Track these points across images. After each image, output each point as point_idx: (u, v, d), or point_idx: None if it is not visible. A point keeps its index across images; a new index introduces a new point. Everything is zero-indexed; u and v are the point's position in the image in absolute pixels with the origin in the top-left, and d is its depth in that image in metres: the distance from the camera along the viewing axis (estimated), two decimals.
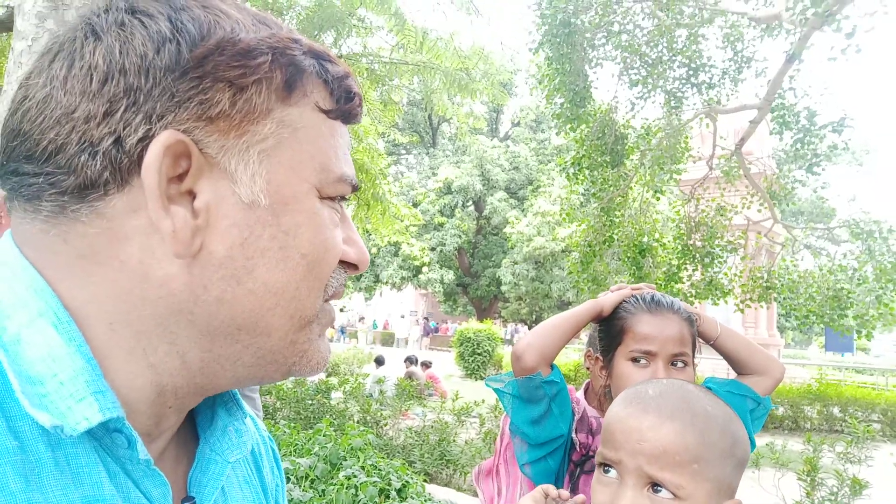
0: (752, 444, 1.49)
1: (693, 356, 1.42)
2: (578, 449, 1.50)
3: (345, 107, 0.55)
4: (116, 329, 0.47)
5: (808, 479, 4.17)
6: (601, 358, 1.52)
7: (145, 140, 0.45)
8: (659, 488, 0.85)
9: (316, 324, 0.54)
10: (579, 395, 1.68)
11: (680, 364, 1.38)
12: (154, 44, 0.46)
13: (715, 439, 0.87)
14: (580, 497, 0.97)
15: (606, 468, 0.91)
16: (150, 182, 0.44)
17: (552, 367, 1.50)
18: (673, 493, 0.85)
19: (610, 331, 1.48)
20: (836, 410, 11.09)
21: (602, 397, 1.61)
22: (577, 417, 1.52)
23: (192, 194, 0.47)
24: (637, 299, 1.46)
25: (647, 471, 0.85)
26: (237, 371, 0.52)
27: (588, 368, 1.69)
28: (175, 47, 0.46)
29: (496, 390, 1.52)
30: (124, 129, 0.45)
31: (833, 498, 4.09)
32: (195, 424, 0.60)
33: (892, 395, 11.45)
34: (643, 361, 1.39)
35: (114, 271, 0.46)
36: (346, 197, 0.57)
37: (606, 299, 1.49)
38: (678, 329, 1.39)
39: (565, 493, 0.98)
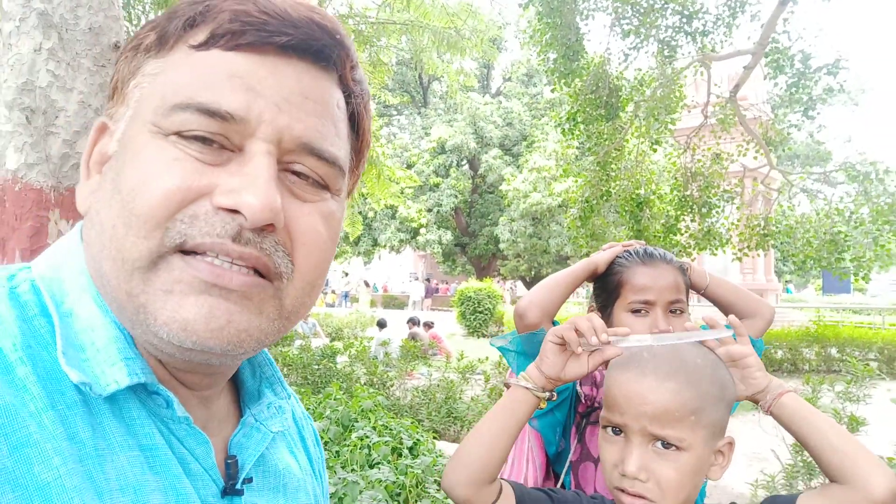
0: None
1: (687, 303, 1.47)
2: (584, 401, 1.55)
3: (216, 30, 0.50)
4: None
5: None
6: (600, 313, 1.56)
7: None
8: (664, 443, 0.92)
9: (153, 275, 0.48)
10: None
11: (677, 311, 1.43)
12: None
13: (707, 389, 0.94)
14: (623, 329, 0.98)
15: (614, 430, 0.97)
16: (83, 158, 0.57)
17: (553, 322, 1.54)
18: (676, 446, 0.92)
19: (606, 286, 1.52)
20: (833, 351, 11.26)
21: None
22: None
23: None
24: (631, 254, 1.51)
25: (651, 430, 0.92)
26: (131, 327, 0.51)
27: None
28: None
29: (501, 349, 1.57)
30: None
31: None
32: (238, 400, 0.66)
33: (889, 333, 11.62)
34: (643, 311, 1.43)
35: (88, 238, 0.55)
36: (215, 137, 0.49)
37: (600, 257, 1.54)
38: (673, 278, 1.44)
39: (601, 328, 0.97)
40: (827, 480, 0.98)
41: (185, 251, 0.48)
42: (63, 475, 0.42)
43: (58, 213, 1.81)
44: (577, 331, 0.97)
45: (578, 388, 1.55)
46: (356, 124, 0.61)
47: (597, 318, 0.99)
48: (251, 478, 0.59)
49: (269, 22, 0.50)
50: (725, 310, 1.63)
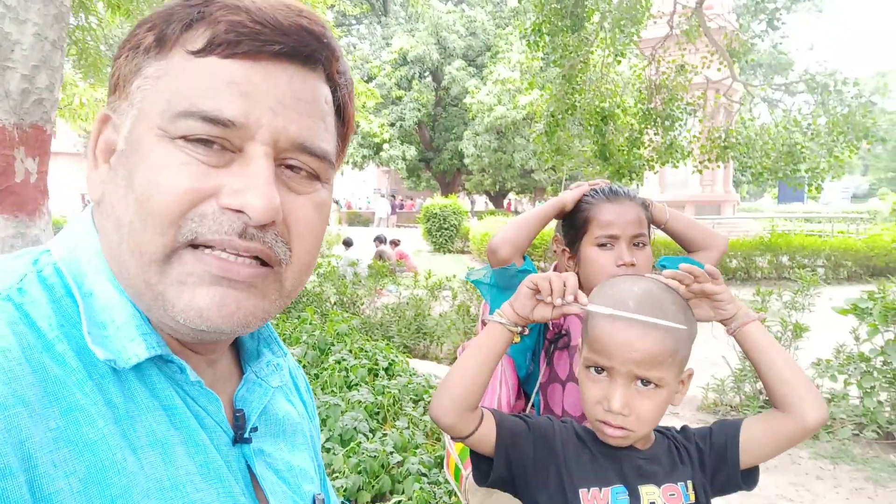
0: None
1: (649, 236, 1.56)
2: (551, 328, 1.65)
3: (214, 38, 0.54)
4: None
5: None
6: (568, 249, 1.64)
7: None
8: (644, 382, 1.04)
9: (168, 267, 0.54)
10: None
11: (640, 244, 1.53)
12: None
13: (682, 332, 1.05)
14: (585, 298, 1.07)
15: (596, 369, 1.08)
16: (90, 146, 0.60)
17: (524, 258, 1.62)
18: (656, 384, 1.04)
19: (574, 223, 1.60)
20: (785, 259, 11.79)
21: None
22: None
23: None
24: (596, 192, 1.58)
25: (637, 372, 1.03)
26: (148, 310, 0.57)
27: (555, 251, 1.82)
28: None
29: (475, 282, 1.66)
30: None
31: (777, 342, 4.50)
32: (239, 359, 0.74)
33: (836, 241, 12.17)
34: (608, 245, 1.52)
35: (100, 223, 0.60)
36: (217, 140, 0.54)
37: (567, 196, 1.62)
38: (636, 213, 1.54)
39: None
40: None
41: (195, 245, 0.54)
42: (106, 434, 0.50)
43: (23, 150, 1.78)
44: (550, 284, 1.05)
45: None
46: (342, 113, 0.66)
47: (572, 278, 1.06)
48: (256, 427, 0.67)
49: (263, 32, 0.54)
50: (683, 243, 1.74)
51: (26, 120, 1.73)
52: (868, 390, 4.02)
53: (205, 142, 0.54)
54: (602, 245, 1.53)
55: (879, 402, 4.02)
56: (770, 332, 4.50)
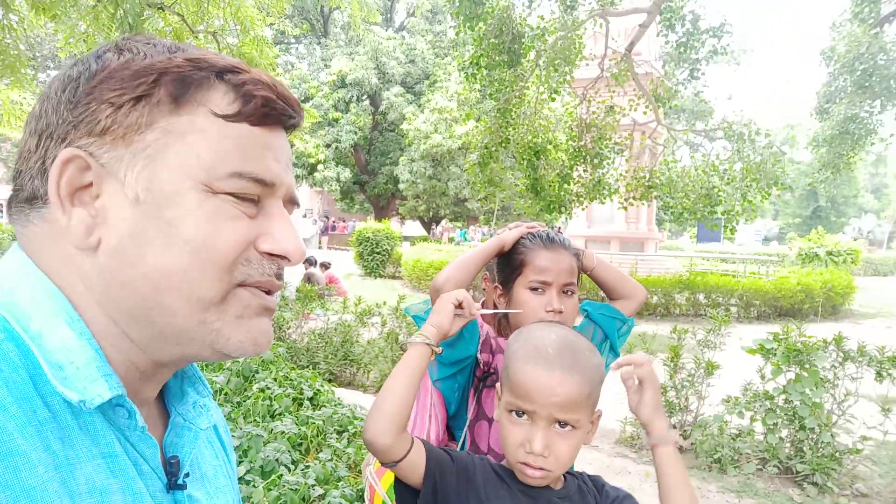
0: (616, 355, 1.79)
1: (578, 285, 1.64)
2: (482, 367, 1.69)
3: (247, 108, 0.61)
4: (85, 316, 0.59)
5: (672, 364, 4.77)
6: (500, 287, 1.69)
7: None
8: (562, 424, 1.11)
9: (226, 306, 0.61)
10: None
11: (569, 292, 1.60)
12: (63, 85, 0.59)
13: (595, 375, 1.14)
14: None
15: (517, 413, 1.13)
16: (51, 190, 0.57)
17: None
18: (573, 426, 1.11)
19: (510, 263, 1.66)
20: (702, 297, 12.37)
21: (499, 318, 1.80)
22: (481, 340, 1.70)
23: (98, 198, 0.59)
24: (535, 236, 1.65)
25: (556, 415, 1.10)
26: (171, 349, 0.62)
27: (484, 289, 1.87)
28: (75, 84, 0.59)
29: (415, 317, 1.69)
30: (45, 154, 0.58)
31: (690, 379, 4.73)
32: (163, 399, 0.73)
33: (747, 282, 12.87)
34: (540, 290, 1.58)
35: (59, 265, 0.59)
36: (263, 196, 0.63)
37: (507, 236, 1.68)
38: (569, 263, 1.61)
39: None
40: None
41: (242, 284, 0.62)
42: (46, 481, 0.50)
43: None
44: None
45: (479, 355, 1.68)
46: None
47: (467, 296, 1.29)
48: (188, 473, 0.68)
49: (286, 109, 0.64)
50: (607, 290, 1.83)
51: None
52: (771, 427, 4.26)
53: (248, 198, 0.62)
54: (534, 289, 1.60)
55: (781, 439, 4.26)
56: (685, 369, 4.75)
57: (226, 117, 0.60)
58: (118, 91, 0.58)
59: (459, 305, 1.25)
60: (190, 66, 0.60)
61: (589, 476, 1.23)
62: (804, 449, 4.19)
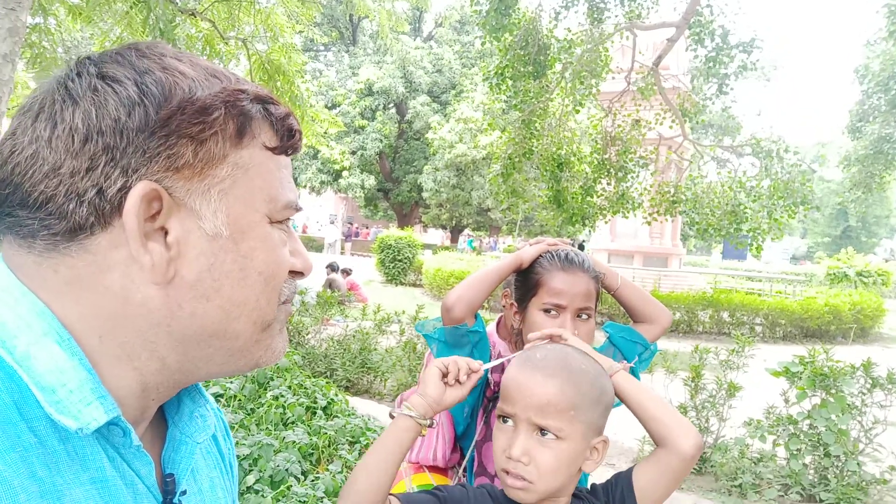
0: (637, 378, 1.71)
1: (595, 309, 1.58)
2: (492, 387, 1.65)
3: (287, 143, 0.64)
4: (104, 341, 0.57)
5: (693, 384, 4.67)
6: (516, 304, 1.65)
7: (123, 190, 0.54)
8: (545, 432, 1.07)
9: (276, 323, 0.65)
10: (491, 328, 1.83)
11: (584, 316, 1.54)
12: (125, 108, 0.54)
13: (587, 390, 1.09)
14: (476, 365, 1.15)
15: (505, 419, 1.11)
16: (131, 225, 0.54)
17: (476, 316, 1.63)
18: (555, 435, 1.06)
19: (526, 282, 1.61)
20: (725, 315, 12.14)
21: (515, 337, 1.76)
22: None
23: (164, 230, 0.56)
24: (553, 256, 1.58)
25: (535, 419, 1.06)
26: (210, 368, 0.64)
27: (504, 307, 1.82)
28: (143, 110, 0.54)
29: (425, 335, 1.66)
30: (105, 181, 0.54)
31: (711, 400, 4.63)
32: (162, 409, 0.71)
33: (773, 301, 12.61)
34: (553, 312, 1.53)
35: (98, 295, 0.56)
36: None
37: (526, 253, 1.62)
38: (586, 286, 1.54)
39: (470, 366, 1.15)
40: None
41: None
42: None
43: None
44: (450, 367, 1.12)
45: (490, 374, 1.65)
46: None
47: (461, 360, 1.13)
48: (185, 490, 0.66)
49: (300, 139, 0.67)
50: (630, 311, 1.76)
51: None
52: (794, 452, 4.14)
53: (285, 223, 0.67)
54: (547, 311, 1.54)
55: (804, 465, 4.14)
56: (706, 390, 4.64)
57: (273, 150, 0.63)
58: (199, 126, 0.56)
59: (445, 372, 1.10)
60: (245, 98, 0.61)
61: (588, 491, 1.18)
62: (828, 477, 4.06)
